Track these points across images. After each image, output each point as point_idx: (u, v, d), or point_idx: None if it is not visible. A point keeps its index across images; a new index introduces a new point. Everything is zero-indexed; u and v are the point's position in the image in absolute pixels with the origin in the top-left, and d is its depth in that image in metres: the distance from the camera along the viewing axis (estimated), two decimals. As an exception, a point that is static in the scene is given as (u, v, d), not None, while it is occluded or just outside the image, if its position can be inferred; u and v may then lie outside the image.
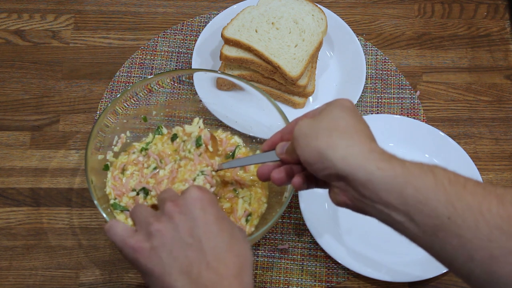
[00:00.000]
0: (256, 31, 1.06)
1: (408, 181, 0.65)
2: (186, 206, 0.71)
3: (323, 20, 1.08)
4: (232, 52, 1.05)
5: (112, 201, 0.95)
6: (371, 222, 0.96)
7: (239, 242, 0.71)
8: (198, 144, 0.92)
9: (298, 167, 0.78)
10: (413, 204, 0.65)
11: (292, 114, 1.06)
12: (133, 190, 0.92)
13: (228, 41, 1.05)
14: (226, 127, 1.03)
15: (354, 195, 0.69)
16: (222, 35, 1.06)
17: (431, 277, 0.94)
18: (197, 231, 0.69)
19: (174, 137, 0.96)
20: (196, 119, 0.95)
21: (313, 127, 0.71)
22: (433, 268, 0.94)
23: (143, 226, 0.72)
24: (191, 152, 0.92)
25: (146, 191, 0.92)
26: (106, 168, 0.96)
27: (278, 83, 1.07)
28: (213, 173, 0.91)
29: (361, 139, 0.70)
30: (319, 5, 1.10)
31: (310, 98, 1.10)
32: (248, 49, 1.05)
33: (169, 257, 0.69)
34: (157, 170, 0.93)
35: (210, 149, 0.93)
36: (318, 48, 1.07)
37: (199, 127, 0.94)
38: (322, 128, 0.71)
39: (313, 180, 0.77)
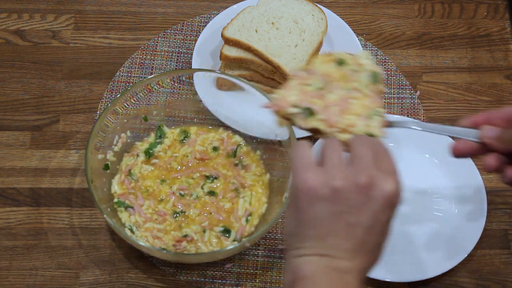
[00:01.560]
0: (256, 31, 1.06)
1: None
2: (376, 193, 0.67)
3: (323, 20, 1.08)
4: (232, 52, 1.05)
5: (116, 200, 0.95)
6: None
7: (381, 248, 0.70)
8: (375, 80, 0.81)
9: (504, 157, 0.73)
10: None
11: (292, 114, 1.06)
12: (295, 106, 0.79)
13: (228, 41, 1.05)
14: (226, 127, 1.03)
15: None
16: (222, 35, 1.06)
17: (431, 277, 0.94)
18: (363, 220, 0.67)
19: (341, 62, 0.82)
20: (366, 52, 0.84)
21: None
22: (433, 268, 0.94)
23: (328, 171, 0.68)
24: (367, 86, 0.81)
25: (311, 112, 0.79)
26: (106, 168, 0.97)
27: (278, 83, 1.07)
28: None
29: None
30: (319, 5, 1.10)
31: (310, 98, 1.10)
32: (248, 49, 1.05)
33: (325, 217, 0.67)
34: (322, 91, 0.80)
35: (384, 89, 0.84)
36: (318, 48, 1.07)
37: (373, 63, 0.82)
38: None
39: None
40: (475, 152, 0.78)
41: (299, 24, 1.07)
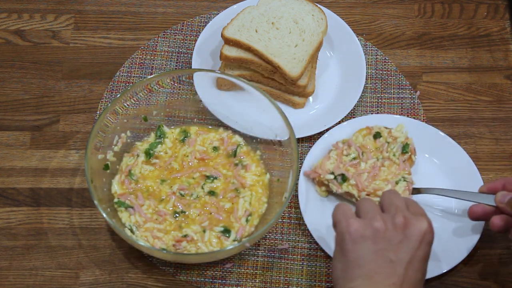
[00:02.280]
0: (256, 31, 1.06)
1: None
2: (412, 231, 0.76)
3: (323, 20, 1.08)
4: (232, 52, 1.05)
5: (116, 200, 0.95)
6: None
7: (420, 286, 0.77)
8: (404, 150, 0.98)
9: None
10: None
11: (292, 114, 1.06)
12: (331, 173, 0.96)
13: (228, 41, 1.05)
14: (226, 127, 1.03)
15: None
16: (222, 35, 1.06)
17: (431, 277, 0.94)
18: (403, 256, 0.75)
19: (377, 135, 1.00)
20: (401, 125, 1.01)
21: None
22: (433, 268, 0.94)
23: (367, 216, 0.78)
24: (395, 155, 0.97)
25: (344, 178, 0.96)
26: (106, 168, 0.97)
27: (278, 83, 1.07)
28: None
29: None
30: (319, 5, 1.10)
31: (310, 98, 1.10)
32: (248, 49, 1.05)
33: (369, 255, 0.75)
34: (357, 161, 0.97)
35: (413, 159, 0.99)
36: (318, 48, 1.07)
37: (406, 135, 0.99)
38: None
39: None
40: (490, 215, 0.88)
41: (299, 24, 1.07)
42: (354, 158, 0.98)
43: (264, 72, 1.06)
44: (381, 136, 1.00)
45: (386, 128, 1.01)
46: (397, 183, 0.96)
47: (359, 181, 0.95)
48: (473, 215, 0.91)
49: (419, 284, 0.76)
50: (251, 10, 1.08)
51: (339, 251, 0.78)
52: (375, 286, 0.74)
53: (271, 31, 1.06)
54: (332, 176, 0.96)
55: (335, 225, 0.80)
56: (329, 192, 0.99)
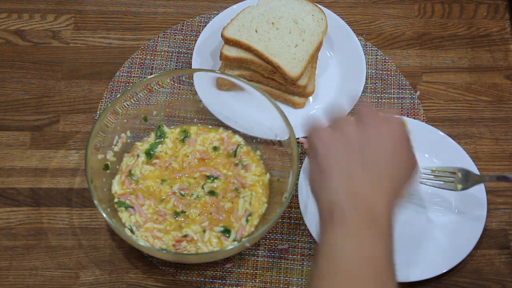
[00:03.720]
0: (256, 31, 1.06)
1: None
2: (381, 127, 0.77)
3: (323, 20, 1.08)
4: (232, 52, 1.05)
5: (116, 200, 0.95)
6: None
7: (402, 174, 0.77)
8: None
9: None
10: None
11: (292, 114, 1.06)
12: None
13: (228, 41, 1.05)
14: (226, 127, 1.03)
15: None
16: (222, 35, 1.06)
17: (431, 277, 0.94)
18: (375, 152, 0.75)
19: None
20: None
21: None
22: (433, 268, 0.94)
23: (337, 123, 0.78)
24: None
25: None
26: (106, 168, 0.97)
27: (278, 83, 1.07)
28: None
29: None
30: (319, 5, 1.10)
31: (310, 98, 1.10)
32: (248, 49, 1.05)
33: (343, 155, 0.75)
34: None
35: None
36: (318, 48, 1.07)
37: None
38: None
39: None
40: None
41: (299, 24, 1.07)
42: None
43: (264, 72, 1.06)
44: None
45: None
46: None
47: None
48: None
49: (400, 173, 0.76)
50: (251, 10, 1.08)
51: (313, 163, 0.78)
52: (352, 175, 0.74)
53: (271, 31, 1.06)
54: None
55: (308, 141, 0.80)
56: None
